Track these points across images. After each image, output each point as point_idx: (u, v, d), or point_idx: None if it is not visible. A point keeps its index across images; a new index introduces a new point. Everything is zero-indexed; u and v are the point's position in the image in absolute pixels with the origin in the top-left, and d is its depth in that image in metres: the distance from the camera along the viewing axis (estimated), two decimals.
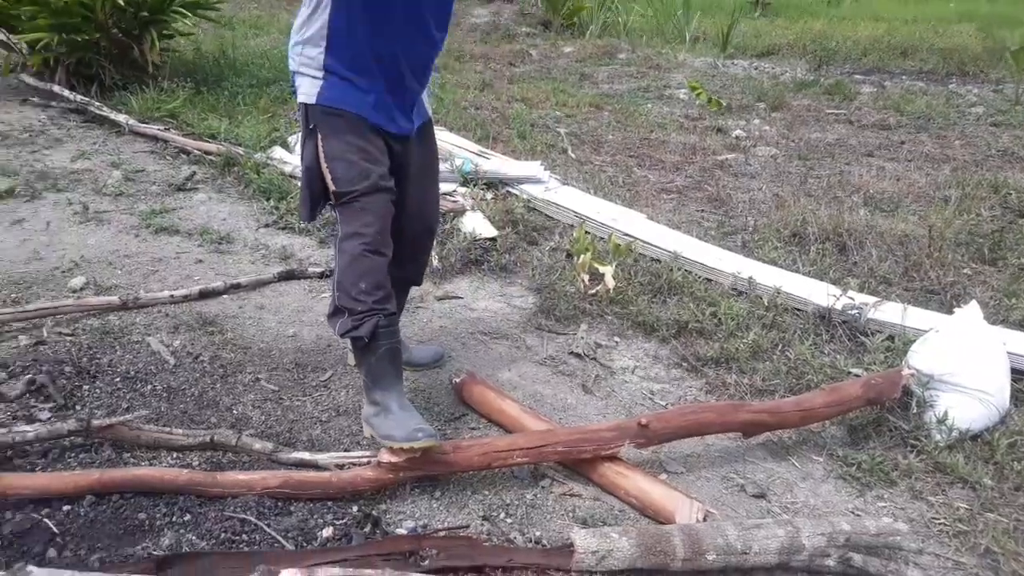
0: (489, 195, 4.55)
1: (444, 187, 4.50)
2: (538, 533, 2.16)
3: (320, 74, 2.30)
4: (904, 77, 9.02)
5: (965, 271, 3.80)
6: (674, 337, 3.24)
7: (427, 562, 1.99)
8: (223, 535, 2.07)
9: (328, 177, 2.32)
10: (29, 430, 2.30)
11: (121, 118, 5.52)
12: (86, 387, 2.70)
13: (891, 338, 3.05)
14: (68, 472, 2.25)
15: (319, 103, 2.30)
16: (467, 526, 2.15)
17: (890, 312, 3.19)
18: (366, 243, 2.30)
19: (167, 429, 2.42)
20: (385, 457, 2.24)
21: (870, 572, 2.02)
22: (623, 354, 3.16)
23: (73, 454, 2.37)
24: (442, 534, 2.11)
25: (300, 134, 2.44)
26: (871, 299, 3.30)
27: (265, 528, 2.08)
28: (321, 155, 2.32)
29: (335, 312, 2.39)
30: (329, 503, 2.22)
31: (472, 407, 2.73)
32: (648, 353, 3.17)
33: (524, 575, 2.00)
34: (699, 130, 6.47)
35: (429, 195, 2.65)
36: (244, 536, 2.07)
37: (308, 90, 2.32)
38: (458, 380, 2.78)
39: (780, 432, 2.66)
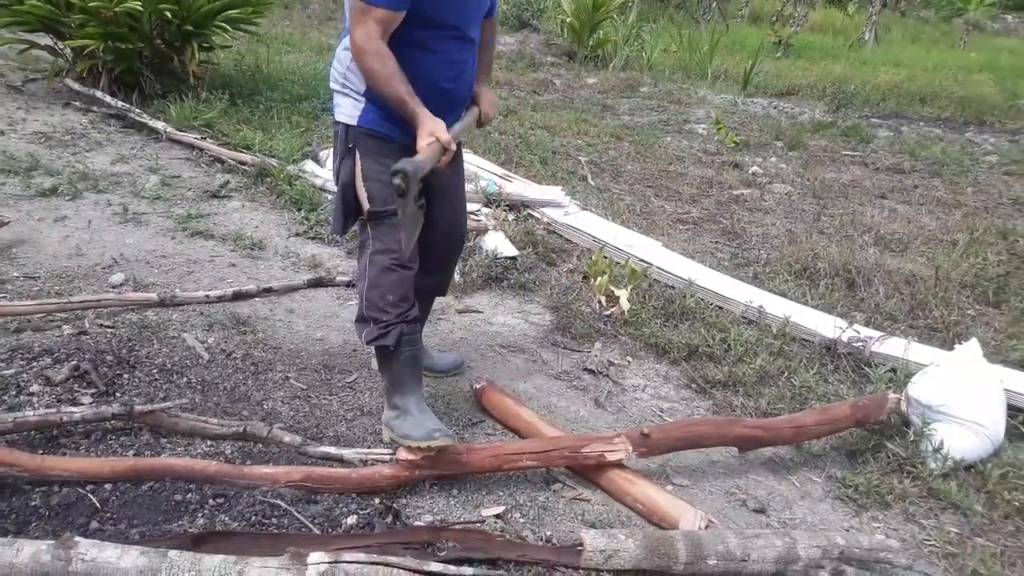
0: (511, 216, 4.71)
1: (469, 206, 4.66)
2: (549, 532, 2.29)
3: (361, 98, 2.44)
4: (921, 123, 9.17)
5: (969, 312, 3.93)
6: (684, 359, 3.37)
7: (444, 552, 2.12)
8: (254, 518, 2.21)
9: (363, 195, 2.46)
10: (76, 411, 2.45)
11: (159, 125, 5.72)
12: (126, 376, 2.86)
13: (893, 370, 3.18)
14: (104, 458, 2.38)
15: (360, 125, 2.45)
16: (482, 521, 2.28)
17: (893, 346, 3.32)
18: (395, 258, 2.47)
19: (203, 418, 2.57)
20: (403, 455, 2.39)
21: None
22: (635, 373, 3.30)
23: (114, 437, 2.52)
24: (459, 527, 2.24)
25: (334, 149, 2.58)
26: (876, 333, 3.43)
27: (294, 513, 2.22)
28: (358, 174, 2.46)
29: (362, 319, 2.55)
30: (353, 494, 2.36)
31: (490, 413, 2.87)
32: (659, 373, 3.31)
33: (535, 570, 2.13)
34: (716, 165, 6.63)
35: (458, 211, 2.80)
36: (274, 520, 2.21)
37: (349, 112, 2.46)
38: (478, 387, 2.93)
39: (782, 453, 2.79)
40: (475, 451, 2.47)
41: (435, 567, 1.97)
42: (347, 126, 2.47)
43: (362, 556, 1.95)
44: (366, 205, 2.46)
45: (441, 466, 2.42)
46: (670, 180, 6.08)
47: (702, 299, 3.84)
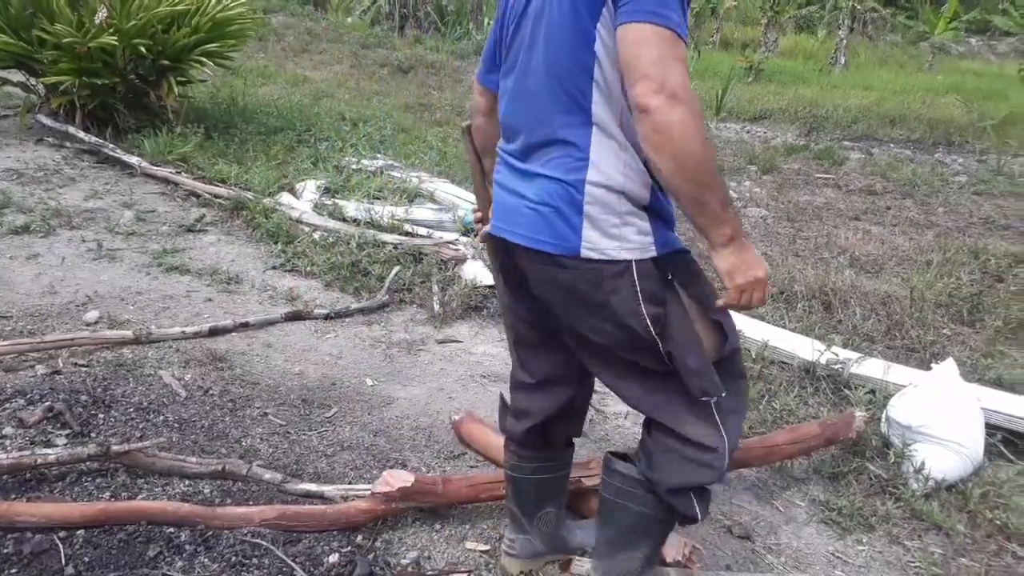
0: None
1: (447, 236, 4.67)
2: None
3: (644, 214, 1.70)
4: (892, 145, 9.32)
5: (944, 331, 3.97)
6: None
7: None
8: (235, 559, 2.17)
9: (708, 335, 1.81)
10: (51, 453, 2.41)
11: (134, 160, 5.69)
12: (101, 416, 2.81)
13: (872, 392, 3.20)
14: (73, 503, 2.33)
15: (663, 252, 1.72)
16: (470, 572, 2.24)
17: (872, 368, 3.34)
18: (745, 406, 1.96)
19: (181, 457, 2.53)
20: (379, 488, 2.35)
21: None
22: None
23: (89, 478, 2.47)
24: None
25: (630, 298, 1.68)
26: (854, 355, 3.45)
27: (276, 552, 2.18)
28: (694, 311, 1.79)
29: (695, 491, 1.87)
30: (334, 532, 2.32)
31: (470, 445, 2.85)
32: None
33: None
34: None
35: None
36: (255, 560, 2.17)
37: (639, 241, 1.68)
38: (456, 418, 2.90)
39: (764, 477, 2.79)
40: (451, 482, 2.45)
41: None
42: (648, 260, 1.70)
43: None
44: (717, 345, 1.82)
45: (417, 498, 2.38)
46: None
47: None
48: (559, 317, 1.82)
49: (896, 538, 2.50)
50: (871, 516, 2.57)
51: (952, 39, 19.51)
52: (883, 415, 2.93)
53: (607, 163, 1.65)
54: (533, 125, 1.74)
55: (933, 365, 3.10)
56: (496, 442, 2.75)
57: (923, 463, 2.66)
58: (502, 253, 1.87)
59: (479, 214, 2.15)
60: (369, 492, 2.38)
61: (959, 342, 3.87)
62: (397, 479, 2.33)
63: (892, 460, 2.76)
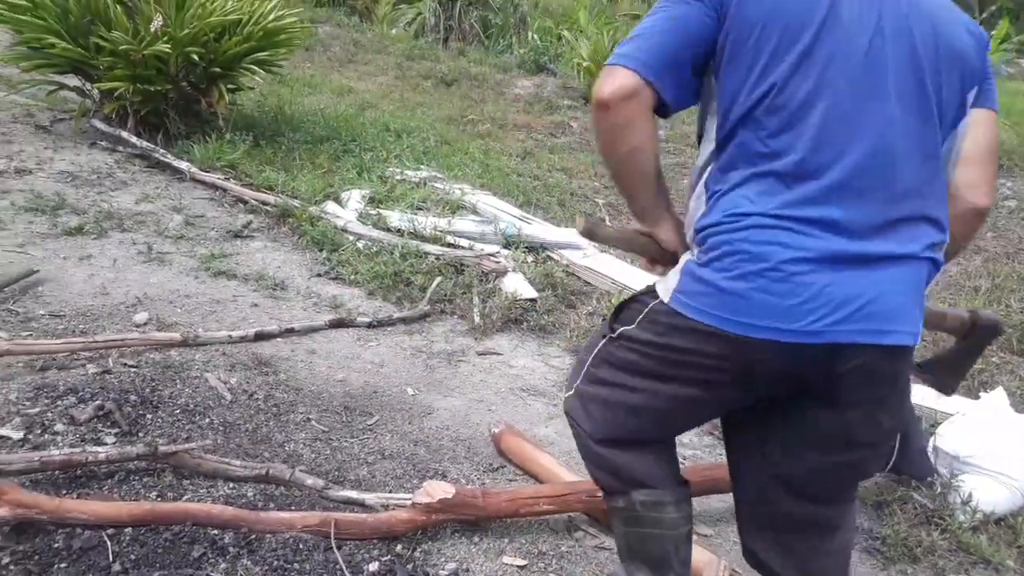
0: (530, 258, 4.73)
1: (488, 248, 4.70)
2: None
3: None
4: None
5: (993, 359, 3.89)
6: None
7: None
8: (276, 562, 2.20)
9: None
10: (100, 451, 2.46)
11: (183, 165, 5.80)
12: (149, 416, 2.87)
13: (919, 420, 3.14)
14: (122, 502, 2.37)
15: None
16: None
17: (919, 395, 3.28)
18: None
19: (226, 460, 2.57)
20: (419, 498, 2.37)
21: None
22: None
23: (137, 477, 2.52)
24: None
25: (898, 392, 1.60)
26: None
27: (316, 558, 2.20)
28: None
29: None
30: (374, 540, 2.34)
31: (508, 458, 2.86)
32: None
33: None
34: None
35: None
36: (296, 565, 2.20)
37: None
38: (496, 431, 2.92)
39: None
40: (491, 495, 2.46)
41: None
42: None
43: None
44: None
45: (458, 511, 2.39)
46: None
47: None
48: (860, 424, 1.53)
49: (942, 571, 2.46)
50: (916, 547, 2.53)
51: (1002, 60, 19.19)
52: (930, 444, 2.88)
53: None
54: (902, 196, 1.44)
55: (982, 394, 3.06)
56: (533, 455, 2.77)
57: (971, 494, 2.62)
58: (795, 360, 1.46)
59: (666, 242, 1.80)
60: (410, 502, 2.40)
61: (1008, 371, 3.79)
62: (438, 490, 2.35)
63: (939, 490, 2.71)
